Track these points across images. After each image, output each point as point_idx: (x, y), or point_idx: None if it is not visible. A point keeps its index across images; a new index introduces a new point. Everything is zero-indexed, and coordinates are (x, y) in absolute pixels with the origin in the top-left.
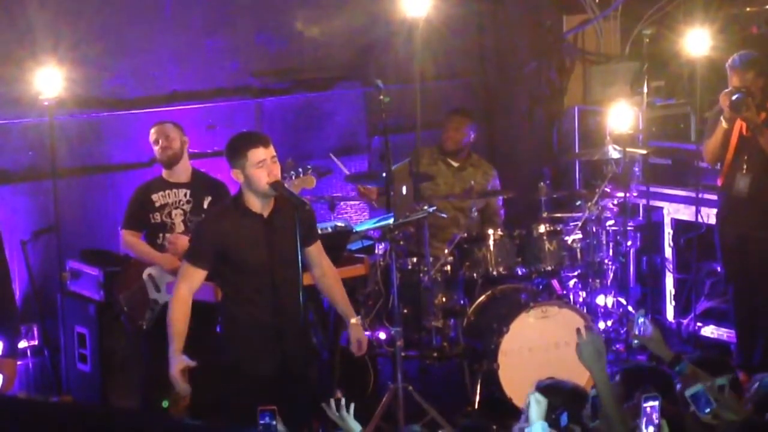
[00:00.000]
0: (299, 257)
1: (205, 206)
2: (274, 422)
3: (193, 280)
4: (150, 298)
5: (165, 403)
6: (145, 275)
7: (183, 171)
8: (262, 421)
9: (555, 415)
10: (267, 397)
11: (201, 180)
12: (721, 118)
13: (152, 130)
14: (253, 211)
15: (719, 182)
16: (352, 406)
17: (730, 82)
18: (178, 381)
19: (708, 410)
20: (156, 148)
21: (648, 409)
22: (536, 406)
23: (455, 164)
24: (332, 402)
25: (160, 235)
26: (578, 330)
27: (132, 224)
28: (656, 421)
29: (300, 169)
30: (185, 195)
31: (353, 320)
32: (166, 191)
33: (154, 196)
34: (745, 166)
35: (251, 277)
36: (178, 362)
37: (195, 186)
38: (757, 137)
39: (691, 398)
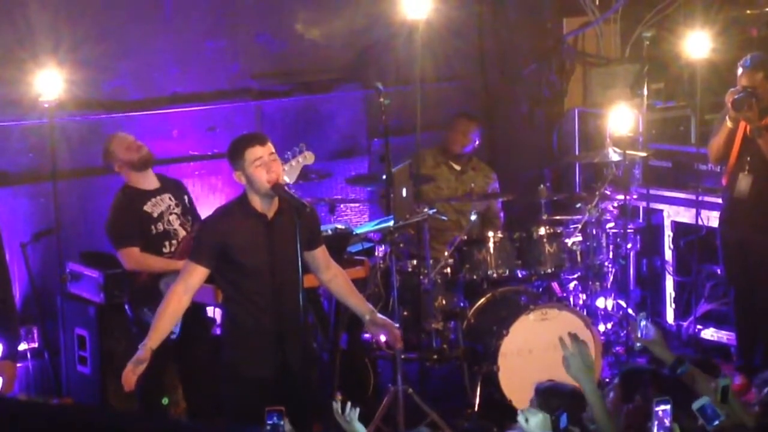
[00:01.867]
0: (307, 256)
1: (188, 205)
2: (281, 422)
3: (192, 278)
4: None
5: (165, 400)
6: (162, 285)
7: (152, 177)
8: (269, 421)
9: (554, 417)
10: (266, 399)
11: (168, 182)
12: (726, 117)
13: (115, 141)
14: (257, 211)
15: (723, 182)
16: (357, 409)
17: (738, 82)
18: (128, 371)
19: (716, 422)
20: (128, 154)
21: (660, 413)
22: (526, 425)
23: (457, 168)
24: (338, 404)
25: (166, 243)
26: (561, 340)
27: (132, 239)
28: (668, 425)
29: (296, 148)
30: (170, 199)
31: (372, 312)
32: (152, 200)
33: (146, 207)
34: (747, 167)
35: (252, 278)
36: (141, 354)
37: (169, 189)
38: (757, 139)
39: (698, 411)
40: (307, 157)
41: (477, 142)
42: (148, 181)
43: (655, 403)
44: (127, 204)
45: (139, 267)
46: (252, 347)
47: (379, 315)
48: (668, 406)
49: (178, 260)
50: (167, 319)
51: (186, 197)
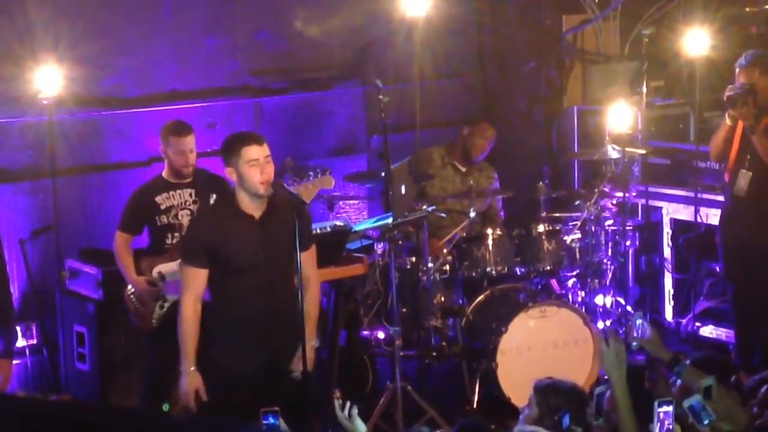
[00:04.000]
0: (296, 257)
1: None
2: (277, 423)
3: (196, 283)
4: (159, 295)
5: (165, 407)
6: (154, 272)
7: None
8: (265, 421)
9: (557, 417)
10: (258, 397)
11: (203, 178)
12: (726, 114)
13: (182, 140)
14: (245, 211)
15: (726, 179)
16: (356, 407)
17: (736, 81)
18: (190, 399)
19: (707, 422)
20: (175, 158)
21: (661, 415)
22: None
23: (463, 169)
24: (339, 402)
25: (169, 235)
26: (601, 336)
27: (128, 226)
28: (669, 427)
29: (318, 169)
30: (190, 195)
31: (309, 341)
32: (170, 192)
33: (158, 198)
34: (747, 164)
35: (238, 278)
36: (192, 379)
37: (198, 185)
38: (751, 136)
39: (688, 410)
40: (325, 182)
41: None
42: (180, 176)
43: (657, 404)
44: (143, 192)
45: (115, 252)
46: (236, 346)
47: (311, 349)
48: (670, 408)
49: (134, 278)
50: (192, 337)
51: (215, 196)
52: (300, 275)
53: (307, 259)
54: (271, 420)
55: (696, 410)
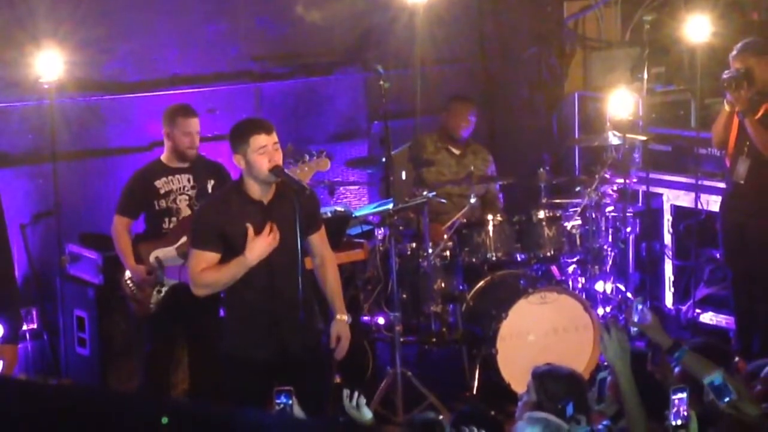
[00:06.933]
0: (299, 244)
1: (209, 190)
2: (290, 401)
3: (209, 263)
4: (157, 280)
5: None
6: (152, 257)
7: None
8: (278, 400)
9: (560, 406)
10: (266, 383)
11: (201, 163)
12: (725, 101)
13: (183, 119)
14: (253, 197)
15: (727, 165)
16: (363, 397)
17: (732, 66)
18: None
19: (727, 399)
20: (181, 138)
21: (676, 401)
22: None
23: (457, 152)
24: (346, 393)
25: (166, 220)
26: (602, 325)
27: (127, 211)
28: (684, 414)
29: (314, 152)
30: (188, 180)
31: (341, 317)
32: (169, 177)
33: (158, 183)
34: (746, 151)
35: None
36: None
37: (196, 170)
38: (744, 120)
39: (710, 386)
40: (321, 164)
41: (474, 123)
42: (183, 158)
43: (672, 392)
44: (142, 176)
45: (113, 236)
46: (248, 332)
47: (345, 324)
48: (684, 395)
49: (133, 265)
50: (228, 272)
51: (213, 182)
52: (301, 259)
53: (321, 238)
54: (284, 399)
55: (718, 387)
